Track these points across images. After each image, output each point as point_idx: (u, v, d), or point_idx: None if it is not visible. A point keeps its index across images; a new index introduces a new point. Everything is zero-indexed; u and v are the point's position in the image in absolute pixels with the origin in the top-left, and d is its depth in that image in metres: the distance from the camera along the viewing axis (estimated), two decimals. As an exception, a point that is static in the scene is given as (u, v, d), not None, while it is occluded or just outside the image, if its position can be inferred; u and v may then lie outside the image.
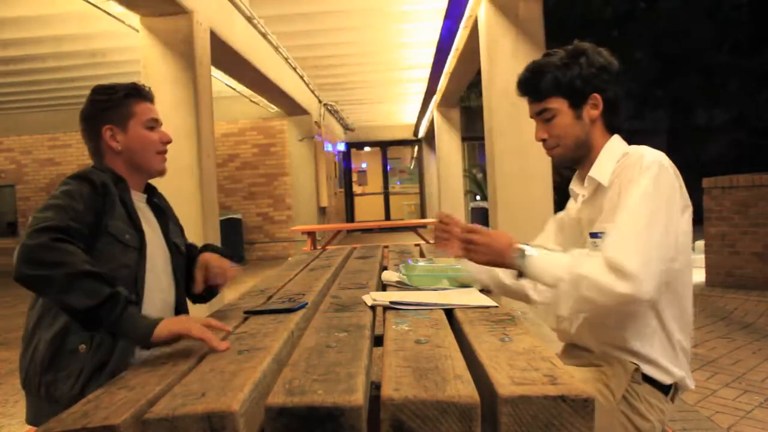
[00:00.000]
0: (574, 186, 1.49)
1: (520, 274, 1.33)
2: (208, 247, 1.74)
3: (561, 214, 1.58)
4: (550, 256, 1.32)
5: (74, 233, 1.27)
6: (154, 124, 1.58)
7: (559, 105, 1.40)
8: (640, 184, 1.25)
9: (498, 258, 1.35)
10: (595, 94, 1.38)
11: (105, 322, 1.19)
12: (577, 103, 1.40)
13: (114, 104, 1.53)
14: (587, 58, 1.38)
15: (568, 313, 1.23)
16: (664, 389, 1.31)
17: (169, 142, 1.61)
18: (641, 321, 1.30)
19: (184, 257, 1.66)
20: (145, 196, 1.62)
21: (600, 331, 1.35)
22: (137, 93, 1.57)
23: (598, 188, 1.39)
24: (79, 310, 1.17)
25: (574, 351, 1.42)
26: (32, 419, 1.42)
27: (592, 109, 1.40)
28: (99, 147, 1.54)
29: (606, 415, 1.26)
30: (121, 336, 1.26)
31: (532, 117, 1.47)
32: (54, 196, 1.35)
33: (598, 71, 1.37)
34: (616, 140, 1.42)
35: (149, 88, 1.62)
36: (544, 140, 1.46)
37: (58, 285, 1.17)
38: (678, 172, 1.31)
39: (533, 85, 1.43)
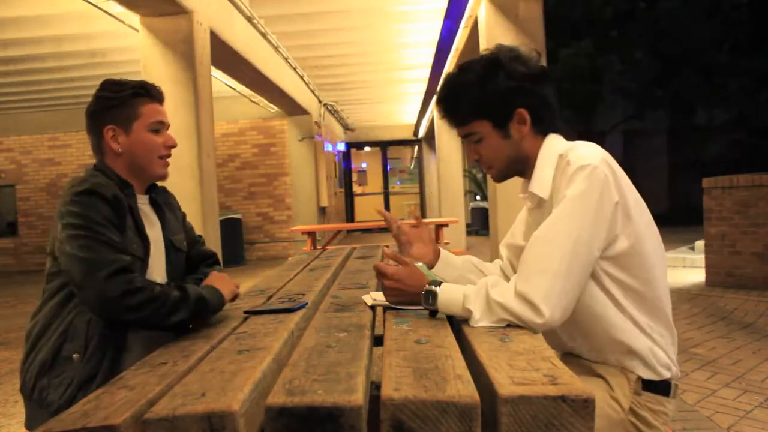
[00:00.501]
0: (522, 194, 1.45)
1: (433, 313, 1.30)
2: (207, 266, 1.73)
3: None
4: (456, 287, 1.30)
5: (130, 264, 1.32)
6: (159, 126, 1.52)
7: (482, 128, 1.33)
8: (560, 203, 1.22)
9: (414, 298, 1.32)
10: (520, 110, 1.30)
11: (192, 322, 1.37)
12: (501, 123, 1.32)
13: (119, 103, 1.47)
14: (504, 71, 1.29)
15: (488, 324, 1.23)
16: (665, 391, 1.30)
17: (174, 146, 1.56)
18: (615, 323, 1.28)
19: (182, 252, 1.65)
20: (147, 196, 1.60)
21: (590, 338, 1.33)
22: (145, 92, 1.51)
23: (541, 199, 1.34)
24: (173, 325, 1.34)
25: (570, 359, 1.41)
26: (29, 424, 1.42)
27: (520, 125, 1.32)
28: (100, 145, 1.50)
29: (617, 428, 1.26)
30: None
31: (460, 137, 1.42)
32: (79, 225, 1.31)
33: (519, 82, 1.29)
34: (551, 141, 1.35)
35: (159, 87, 1.56)
36: (477, 161, 1.41)
37: (154, 320, 1.30)
38: (615, 168, 1.24)
39: (451, 109, 1.36)
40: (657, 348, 1.28)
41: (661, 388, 1.29)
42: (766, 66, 12.05)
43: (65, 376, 1.35)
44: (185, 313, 1.33)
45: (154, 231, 1.54)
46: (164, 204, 1.64)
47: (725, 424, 2.57)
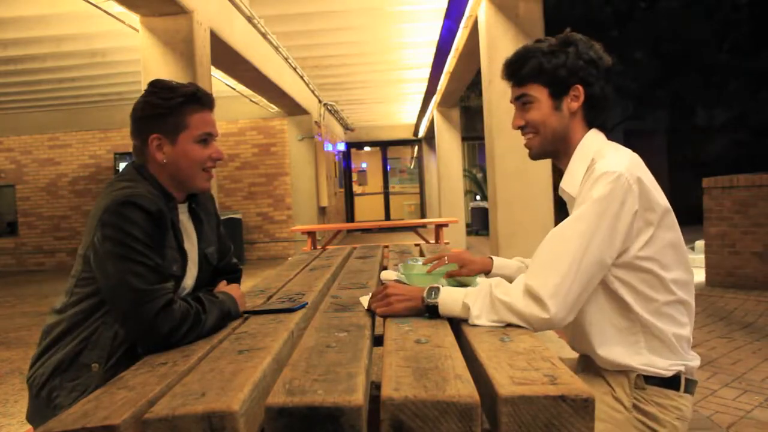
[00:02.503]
0: (561, 192, 1.47)
1: (432, 313, 1.31)
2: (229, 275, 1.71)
3: None
4: (460, 288, 1.33)
5: (172, 288, 1.32)
6: (207, 137, 1.46)
7: (538, 93, 1.37)
8: (579, 206, 1.24)
9: (415, 302, 1.33)
10: (578, 86, 1.34)
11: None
12: (557, 94, 1.36)
13: (167, 112, 1.40)
14: (576, 49, 1.34)
15: (489, 324, 1.24)
16: (672, 385, 1.29)
17: (220, 159, 1.49)
18: (621, 326, 1.29)
19: (211, 266, 1.62)
20: (186, 204, 1.55)
21: (594, 337, 1.33)
22: (196, 101, 1.43)
23: (571, 197, 1.36)
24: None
25: (586, 360, 1.41)
26: (31, 418, 1.42)
27: (573, 101, 1.35)
28: (144, 152, 1.45)
29: (624, 426, 1.26)
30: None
31: (511, 102, 1.45)
32: (120, 242, 1.27)
33: (585, 64, 1.33)
34: (591, 137, 1.37)
35: (210, 94, 1.49)
36: (521, 128, 1.43)
37: (196, 339, 1.31)
38: (647, 177, 1.26)
39: (516, 68, 1.40)
40: (659, 350, 1.28)
41: (667, 381, 1.28)
42: (766, 66, 12.04)
43: (79, 383, 1.34)
44: (215, 331, 1.35)
45: (190, 244, 1.51)
46: (202, 212, 1.60)
47: (725, 424, 2.57)
